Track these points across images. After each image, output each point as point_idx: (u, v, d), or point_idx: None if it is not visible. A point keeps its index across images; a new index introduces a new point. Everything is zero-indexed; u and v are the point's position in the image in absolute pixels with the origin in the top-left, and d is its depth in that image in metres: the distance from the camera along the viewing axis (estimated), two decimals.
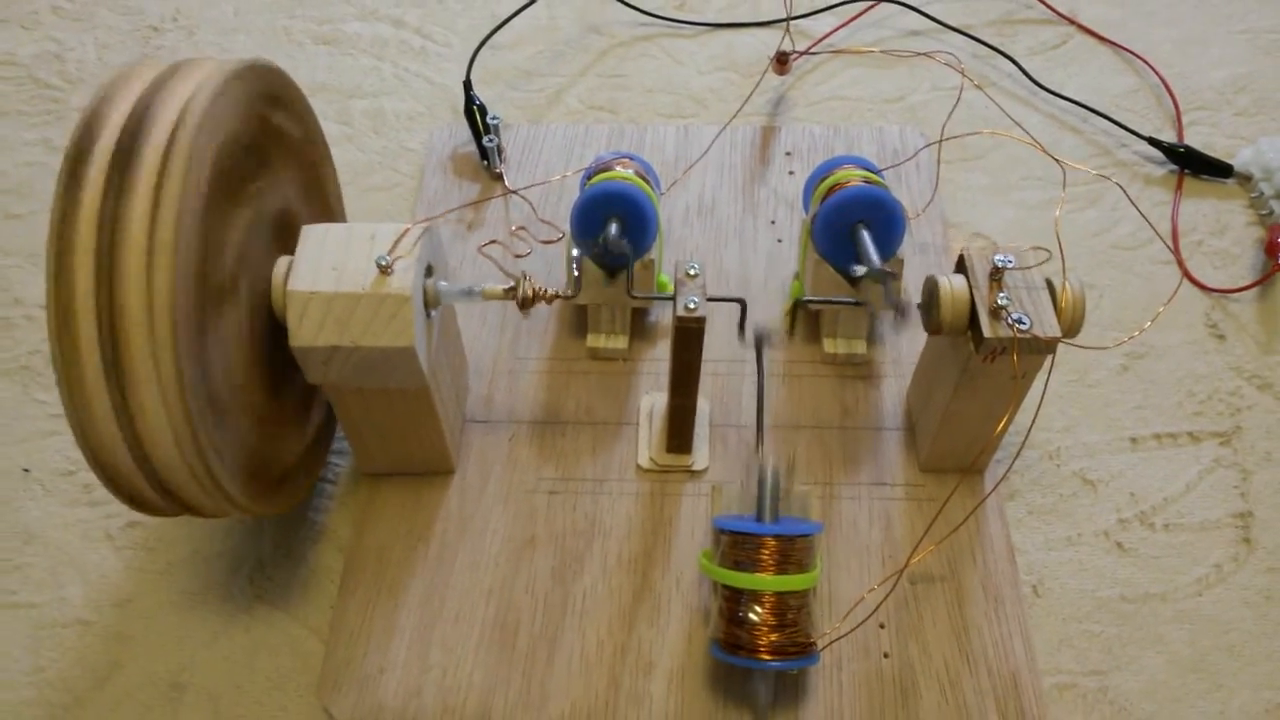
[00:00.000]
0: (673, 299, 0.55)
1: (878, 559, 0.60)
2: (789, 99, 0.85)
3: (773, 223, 0.75)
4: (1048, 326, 0.52)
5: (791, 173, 0.78)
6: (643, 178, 0.66)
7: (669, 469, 0.63)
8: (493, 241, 0.61)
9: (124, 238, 0.44)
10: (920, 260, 0.71)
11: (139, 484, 0.48)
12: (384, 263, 0.51)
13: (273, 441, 0.55)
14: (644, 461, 0.63)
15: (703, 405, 0.64)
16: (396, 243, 0.52)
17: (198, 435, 0.46)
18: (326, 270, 0.52)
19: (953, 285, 0.53)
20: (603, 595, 0.58)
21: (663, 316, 0.70)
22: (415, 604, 0.58)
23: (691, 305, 0.53)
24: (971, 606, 0.58)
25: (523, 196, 0.74)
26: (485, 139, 0.75)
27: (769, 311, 0.70)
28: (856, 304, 0.58)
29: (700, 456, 0.63)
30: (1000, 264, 0.53)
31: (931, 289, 0.54)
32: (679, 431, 0.62)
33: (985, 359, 0.53)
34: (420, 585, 0.59)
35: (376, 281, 0.51)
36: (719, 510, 0.55)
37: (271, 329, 0.54)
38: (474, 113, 0.77)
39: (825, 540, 0.60)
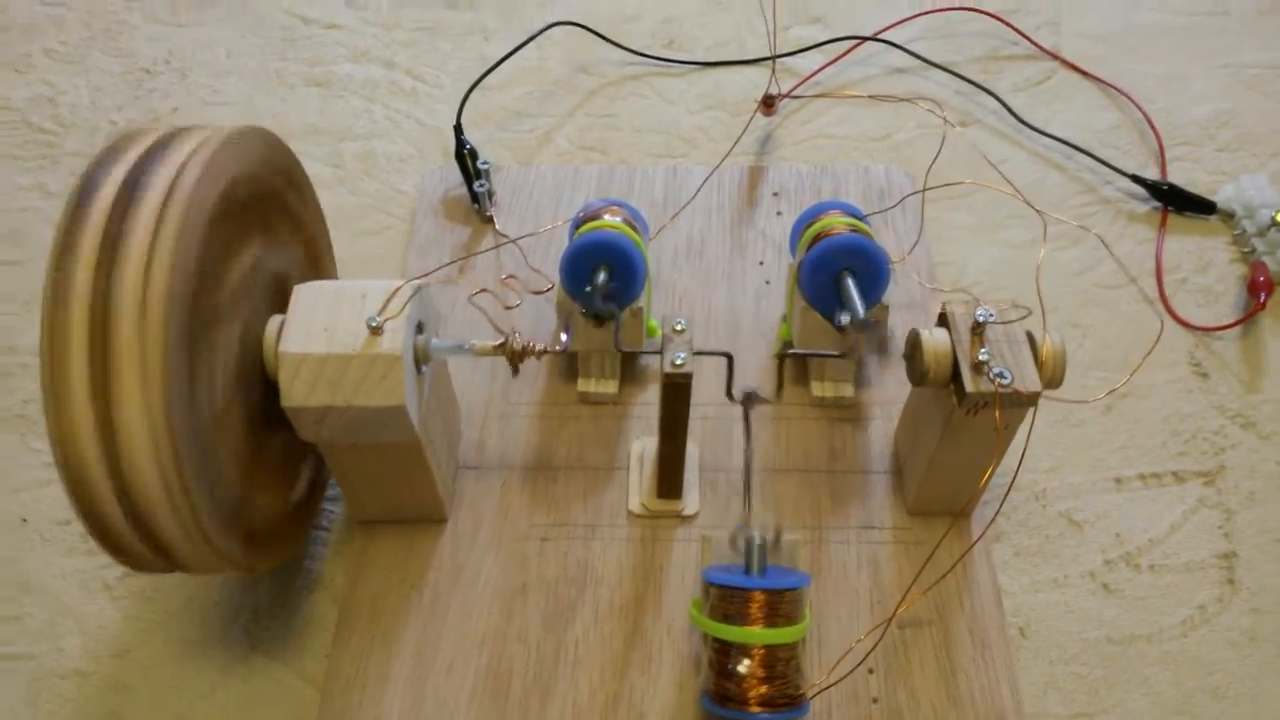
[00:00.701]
0: (660, 352, 0.55)
1: (866, 604, 0.60)
2: (776, 138, 0.86)
3: (761, 264, 0.76)
4: (1028, 381, 0.53)
5: (779, 213, 0.79)
6: (631, 225, 0.67)
7: (660, 514, 0.64)
8: (482, 290, 0.62)
9: (119, 280, 0.45)
10: (905, 304, 0.72)
11: (129, 539, 0.49)
12: (374, 323, 0.52)
13: (264, 495, 0.56)
14: (635, 507, 0.64)
15: (692, 450, 0.65)
16: (387, 302, 0.53)
17: (189, 489, 0.46)
18: (318, 331, 0.52)
19: (935, 339, 0.54)
20: (595, 643, 0.59)
21: (653, 361, 0.71)
22: (409, 654, 0.59)
23: (679, 361, 0.54)
24: (959, 651, 0.59)
25: (516, 244, 0.75)
26: (476, 184, 0.76)
27: (757, 354, 0.71)
28: (840, 356, 0.59)
29: (690, 501, 0.64)
30: (981, 319, 0.53)
31: (914, 343, 0.55)
32: (669, 478, 0.63)
33: (968, 412, 0.53)
34: (414, 635, 0.59)
35: (367, 342, 0.52)
36: (709, 561, 0.56)
37: (262, 383, 0.55)
38: (465, 158, 0.78)
39: (814, 585, 0.61)
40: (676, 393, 0.55)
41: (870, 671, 0.57)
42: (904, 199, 0.72)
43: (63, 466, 0.45)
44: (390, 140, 0.86)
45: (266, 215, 0.57)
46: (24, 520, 0.66)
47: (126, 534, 0.48)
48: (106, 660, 0.61)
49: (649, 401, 0.69)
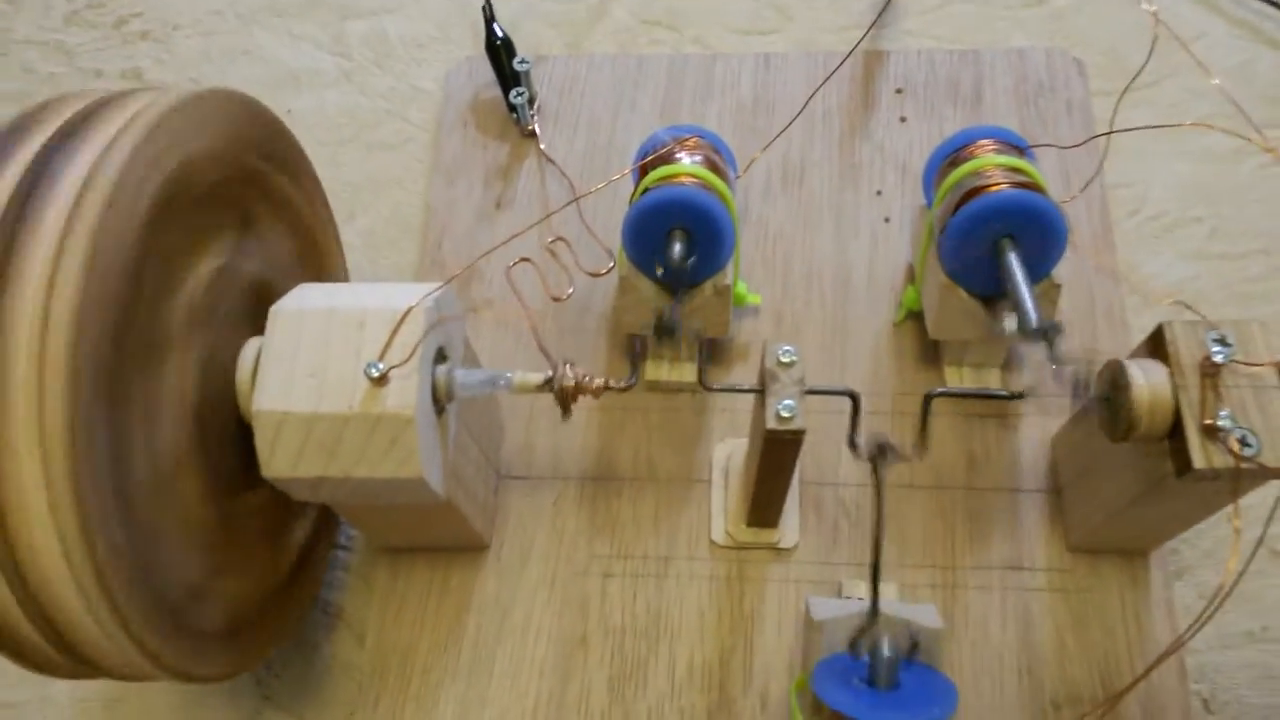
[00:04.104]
0: (761, 391, 0.41)
1: (1013, 672, 0.48)
2: (898, 4, 0.66)
3: (879, 193, 0.59)
4: None
5: (904, 119, 0.61)
6: (713, 167, 0.50)
7: (749, 546, 0.51)
8: (523, 259, 0.47)
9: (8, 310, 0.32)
10: (1073, 267, 0.56)
11: (31, 637, 0.37)
12: (375, 373, 0.38)
13: (241, 572, 0.44)
14: (719, 536, 0.51)
15: None
16: (391, 337, 0.39)
17: (111, 587, 0.34)
18: (302, 378, 0.39)
19: (1149, 383, 0.39)
20: (671, 718, 0.48)
21: (739, 333, 0.56)
22: None
23: (785, 413, 0.39)
24: None
25: (575, 202, 0.58)
26: (513, 94, 0.59)
27: (873, 324, 0.56)
28: (1012, 397, 0.43)
29: (789, 530, 0.51)
30: (1219, 357, 0.38)
31: (1117, 384, 0.40)
32: (764, 509, 0.50)
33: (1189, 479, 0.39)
34: (452, 700, 0.49)
35: (368, 396, 0.38)
36: (818, 652, 0.43)
37: (237, 424, 0.42)
38: (498, 52, 0.61)
39: (949, 640, 0.49)
40: (782, 449, 0.41)
41: None
42: (1090, 139, 0.53)
43: None
44: (406, 17, 0.68)
45: (239, 207, 0.43)
46: None
47: (36, 640, 0.36)
48: (97, 709, 0.52)
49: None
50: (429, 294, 0.40)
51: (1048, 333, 0.42)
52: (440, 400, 0.41)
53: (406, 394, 0.38)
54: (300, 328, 0.40)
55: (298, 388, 0.39)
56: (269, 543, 0.46)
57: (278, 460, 0.39)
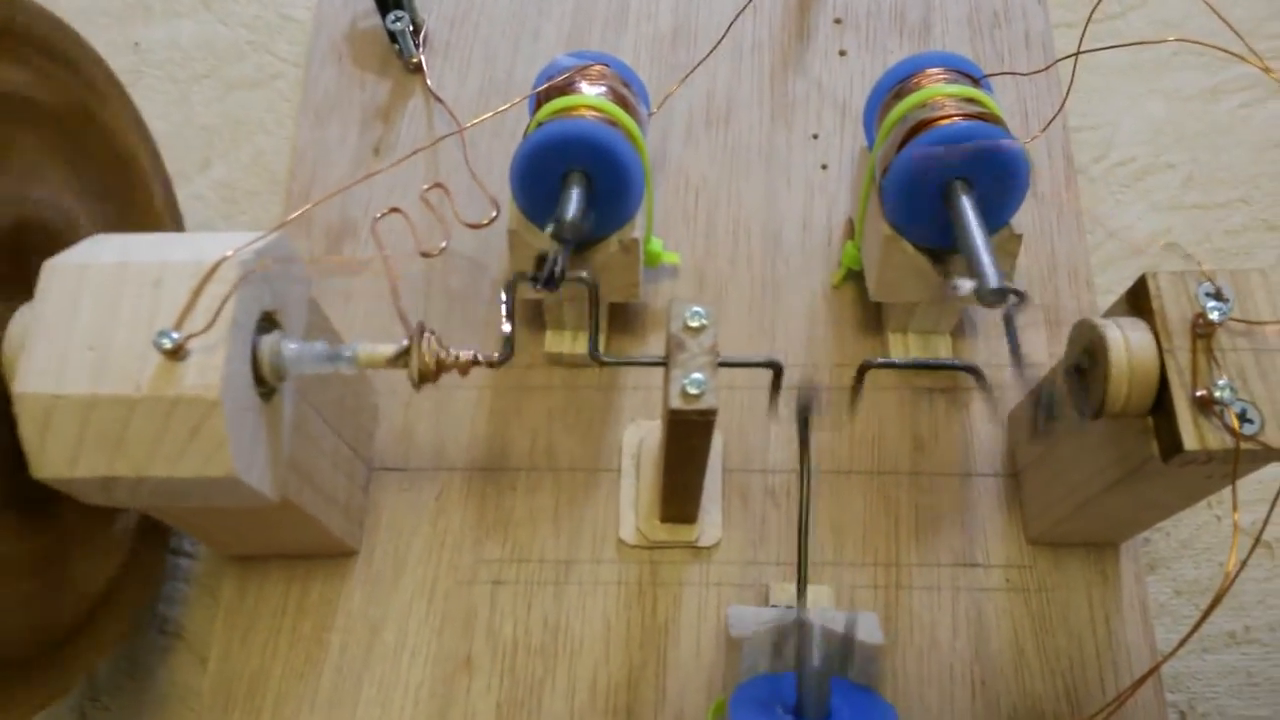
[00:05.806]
0: (664, 363, 0.34)
1: (964, 686, 0.42)
2: None
3: (815, 137, 0.52)
4: None
5: (843, 53, 0.54)
6: (620, 100, 0.43)
7: (664, 545, 0.44)
8: (393, 210, 0.39)
9: None
10: (1032, 217, 0.49)
11: None
12: (169, 344, 0.30)
13: (45, 582, 0.36)
14: (628, 534, 0.44)
15: (714, 442, 0.44)
16: (196, 295, 0.31)
17: None
18: (79, 352, 0.31)
19: (1130, 346, 0.32)
20: None
21: (654, 297, 0.49)
22: None
23: (693, 389, 0.32)
24: None
25: (460, 134, 0.50)
26: (391, 18, 0.51)
27: (809, 284, 0.49)
28: (969, 370, 0.36)
29: (709, 525, 0.44)
30: (1215, 315, 0.31)
31: (1093, 349, 0.33)
32: (678, 501, 0.42)
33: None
34: None
35: (160, 374, 0.30)
36: (739, 670, 0.36)
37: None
38: None
39: (890, 651, 0.42)
40: (692, 432, 0.34)
41: None
42: (1055, 63, 0.46)
43: None
44: None
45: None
46: None
47: None
48: None
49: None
50: (248, 243, 0.32)
51: (1009, 296, 0.35)
52: (266, 378, 0.33)
53: (209, 370, 0.30)
54: (80, 287, 0.31)
55: (72, 364, 0.30)
56: (77, 545, 0.38)
57: (50, 456, 0.31)
